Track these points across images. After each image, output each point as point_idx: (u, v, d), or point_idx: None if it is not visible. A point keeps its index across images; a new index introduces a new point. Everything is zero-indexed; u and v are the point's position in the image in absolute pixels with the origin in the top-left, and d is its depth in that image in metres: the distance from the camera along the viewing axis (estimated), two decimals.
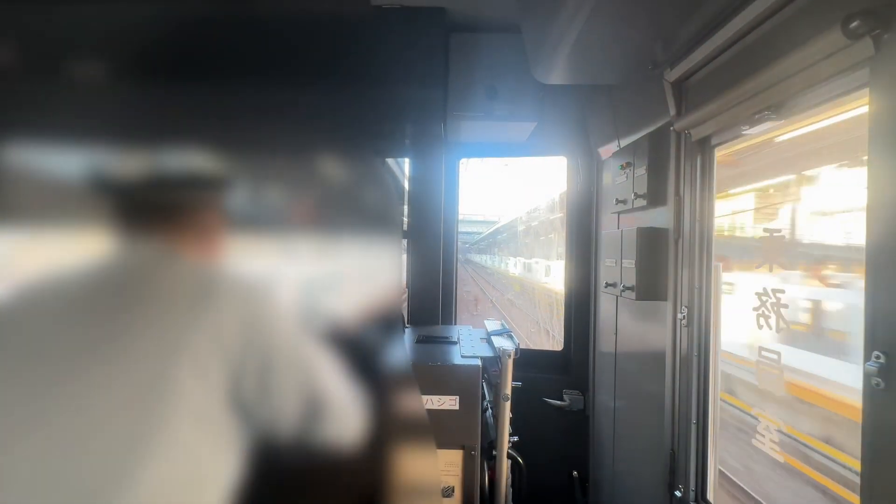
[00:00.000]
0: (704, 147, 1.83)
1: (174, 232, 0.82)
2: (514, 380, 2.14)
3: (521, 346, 2.31)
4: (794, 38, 1.24)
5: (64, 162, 0.79)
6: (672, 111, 1.91)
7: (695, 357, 1.84)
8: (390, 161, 3.61)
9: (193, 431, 0.77)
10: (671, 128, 1.91)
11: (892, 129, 1.00)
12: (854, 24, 1.02)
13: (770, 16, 1.35)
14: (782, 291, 1.48)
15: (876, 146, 1.03)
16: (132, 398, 0.74)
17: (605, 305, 2.90)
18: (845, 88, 1.18)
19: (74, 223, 0.79)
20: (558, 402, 3.12)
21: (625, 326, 2.62)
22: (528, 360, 3.12)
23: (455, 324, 3.23)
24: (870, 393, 1.02)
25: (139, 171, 0.81)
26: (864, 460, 1.05)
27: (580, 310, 3.22)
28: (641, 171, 2.19)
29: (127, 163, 0.81)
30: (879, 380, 0.99)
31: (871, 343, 1.02)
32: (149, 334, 0.76)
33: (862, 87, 1.13)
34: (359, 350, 0.89)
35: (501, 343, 2.18)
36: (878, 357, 1.00)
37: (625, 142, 2.53)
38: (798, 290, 4.23)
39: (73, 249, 0.78)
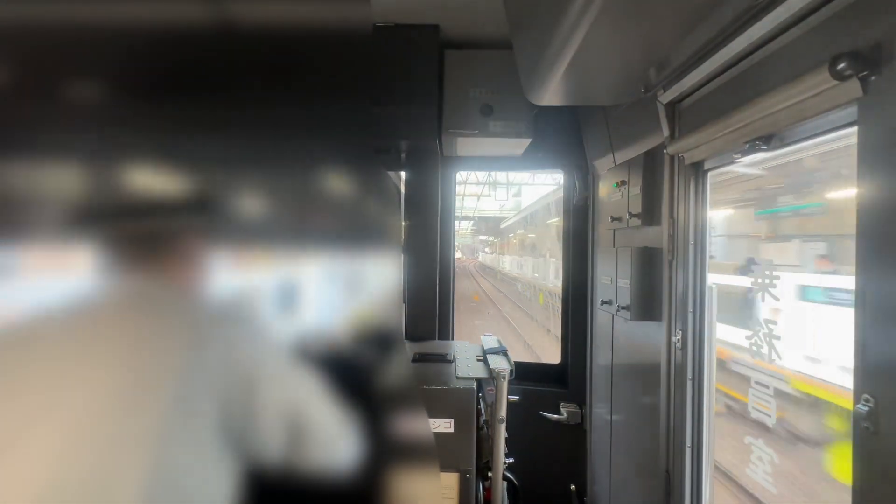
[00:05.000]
0: (698, 171, 1.83)
1: (159, 261, 0.81)
2: (511, 394, 2.14)
3: (519, 360, 2.30)
4: (784, 72, 1.24)
5: (46, 188, 0.78)
6: (665, 133, 1.90)
7: (689, 381, 1.84)
8: (386, 176, 3.60)
9: (184, 464, 0.76)
10: (664, 150, 1.91)
11: (880, 168, 1.00)
12: (841, 65, 1.01)
13: (759, 47, 1.35)
14: None
15: (864, 186, 1.03)
16: (118, 431, 0.73)
17: (602, 318, 2.89)
18: (835, 125, 1.18)
19: (59, 250, 0.78)
20: (556, 416, 3.12)
21: (621, 341, 2.62)
22: (526, 373, 3.11)
23: (452, 338, 3.23)
24: (859, 436, 1.02)
25: (125, 199, 0.80)
26: (856, 502, 1.04)
27: (577, 321, 3.21)
28: (636, 190, 2.19)
29: (114, 189, 0.80)
30: (868, 424, 0.99)
31: (861, 386, 1.02)
32: (133, 366, 0.75)
33: (851, 125, 1.13)
34: (357, 370, 0.88)
35: (497, 363, 2.17)
36: (867, 400, 1.00)
37: (620, 158, 2.53)
38: None
39: (56, 277, 0.77)
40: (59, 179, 0.79)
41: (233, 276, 0.84)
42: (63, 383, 0.74)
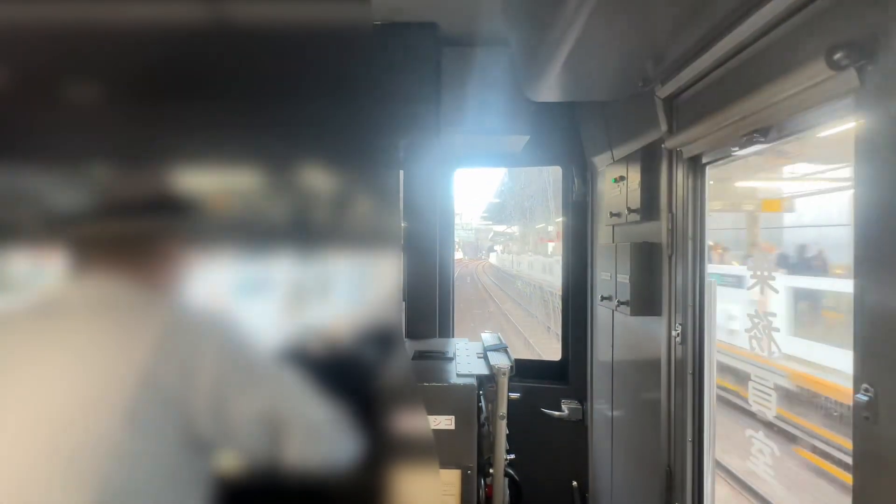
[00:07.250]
0: (696, 164, 1.83)
1: (133, 263, 0.80)
2: (512, 391, 2.14)
3: (521, 357, 2.30)
4: (781, 64, 1.24)
5: (23, 190, 0.77)
6: (663, 127, 1.90)
7: (689, 375, 1.84)
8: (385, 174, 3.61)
9: (144, 466, 0.75)
10: (662, 145, 1.91)
11: (877, 159, 1.00)
12: (838, 55, 1.01)
13: (756, 39, 1.35)
14: None
15: (861, 177, 1.03)
16: (75, 433, 0.72)
17: (602, 314, 2.89)
18: (832, 116, 1.18)
19: (34, 253, 0.78)
20: (557, 413, 3.12)
21: (621, 337, 2.62)
22: (527, 370, 3.11)
23: (452, 335, 3.23)
24: (860, 426, 1.02)
25: (101, 199, 0.79)
26: (856, 492, 1.05)
27: (578, 318, 3.21)
28: (634, 185, 2.19)
29: (91, 190, 0.79)
30: (868, 413, 0.99)
31: (861, 376, 1.02)
32: (94, 369, 0.75)
33: (849, 115, 1.13)
34: (357, 368, 0.87)
35: (497, 360, 2.17)
36: (866, 390, 1.00)
37: (618, 153, 2.53)
38: None
39: (30, 282, 0.77)
40: (37, 179, 0.78)
41: (220, 277, 0.83)
42: (21, 383, 0.74)
